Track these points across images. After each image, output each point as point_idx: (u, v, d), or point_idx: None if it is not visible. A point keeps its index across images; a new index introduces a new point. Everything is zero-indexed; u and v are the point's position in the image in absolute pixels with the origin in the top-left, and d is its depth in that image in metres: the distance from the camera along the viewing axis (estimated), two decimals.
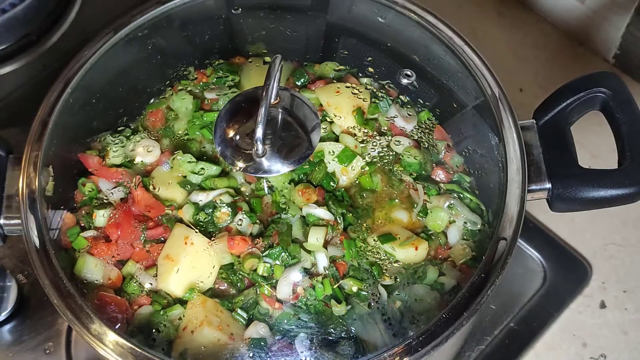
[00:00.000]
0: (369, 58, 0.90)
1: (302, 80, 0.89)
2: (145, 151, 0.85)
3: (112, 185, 0.84)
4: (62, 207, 0.83)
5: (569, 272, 1.07)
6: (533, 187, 0.83)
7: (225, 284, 0.79)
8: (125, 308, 0.78)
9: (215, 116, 0.82)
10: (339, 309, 0.77)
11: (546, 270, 1.06)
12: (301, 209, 0.81)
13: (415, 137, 0.86)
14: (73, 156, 0.85)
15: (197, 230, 0.80)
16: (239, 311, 0.77)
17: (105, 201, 0.83)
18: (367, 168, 0.83)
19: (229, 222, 0.80)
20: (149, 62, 0.91)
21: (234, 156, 0.78)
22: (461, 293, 0.77)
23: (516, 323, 1.03)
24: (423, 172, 0.84)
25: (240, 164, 0.78)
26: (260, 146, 0.75)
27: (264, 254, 0.78)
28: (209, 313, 0.77)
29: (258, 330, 0.76)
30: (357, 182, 0.84)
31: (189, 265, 0.78)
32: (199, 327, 0.76)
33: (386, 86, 0.88)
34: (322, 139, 0.83)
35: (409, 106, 0.88)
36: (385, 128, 0.86)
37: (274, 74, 0.76)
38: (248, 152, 0.78)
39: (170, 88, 0.89)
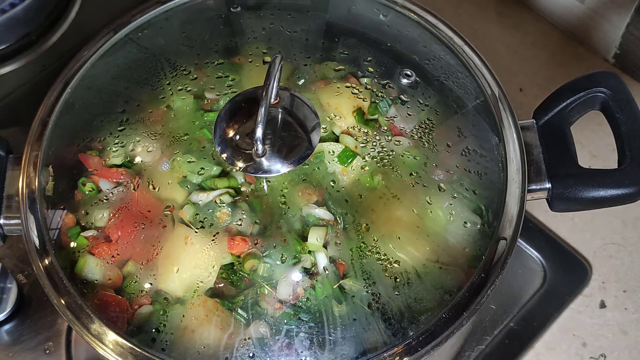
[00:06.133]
0: (369, 58, 0.90)
1: (302, 80, 0.89)
2: (145, 151, 0.85)
3: (112, 185, 0.84)
4: (62, 207, 0.83)
5: (568, 272, 1.07)
6: (533, 187, 0.83)
7: (225, 284, 0.79)
8: (125, 308, 0.78)
9: (215, 116, 0.82)
10: (339, 309, 0.77)
11: (546, 270, 1.06)
12: (301, 209, 0.81)
13: (415, 137, 0.86)
14: (73, 156, 0.85)
15: (197, 230, 0.80)
16: (239, 311, 0.77)
17: (105, 201, 0.83)
18: (367, 168, 0.83)
19: (229, 222, 0.80)
20: (149, 62, 0.91)
21: (234, 156, 0.78)
22: (461, 293, 0.77)
23: (516, 323, 1.03)
24: (423, 172, 0.84)
25: (240, 164, 0.78)
26: (260, 146, 0.75)
27: (264, 254, 0.78)
28: (209, 313, 0.77)
29: (258, 330, 0.76)
30: (357, 182, 0.84)
31: (189, 265, 0.78)
32: (199, 327, 0.76)
33: (386, 86, 0.89)
34: (322, 139, 0.83)
35: (409, 106, 0.88)
36: (385, 128, 0.86)
37: (274, 74, 0.76)
38: (248, 152, 0.78)
39: (170, 88, 0.89)
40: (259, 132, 0.74)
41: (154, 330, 0.77)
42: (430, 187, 0.83)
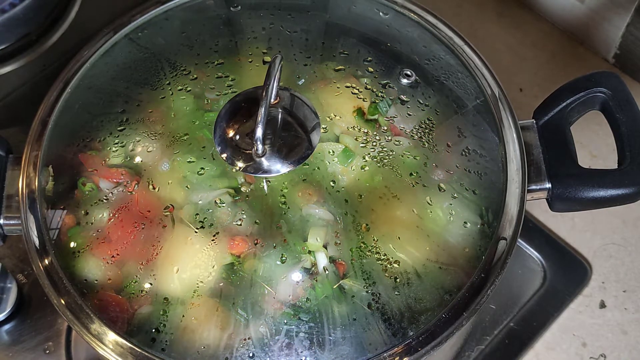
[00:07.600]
0: (369, 58, 0.90)
1: (302, 80, 0.89)
2: (145, 151, 0.85)
3: (112, 185, 0.84)
4: (62, 207, 0.83)
5: (568, 272, 1.07)
6: (533, 187, 0.83)
7: (225, 284, 0.79)
8: (125, 308, 0.78)
9: (215, 116, 0.82)
10: (339, 309, 0.77)
11: (546, 270, 1.06)
12: (301, 209, 0.81)
13: (415, 137, 0.86)
14: (73, 156, 0.85)
15: (197, 230, 0.80)
16: (239, 311, 0.77)
17: (105, 201, 0.83)
18: (367, 168, 0.83)
19: (229, 222, 0.80)
20: (149, 62, 0.91)
21: (234, 156, 0.78)
22: (461, 293, 0.77)
23: (516, 323, 1.03)
24: (423, 172, 0.84)
25: (240, 164, 0.78)
26: (260, 146, 0.75)
27: (264, 254, 0.78)
28: (209, 313, 0.77)
29: (258, 330, 0.76)
30: (357, 182, 0.84)
31: (189, 265, 0.78)
32: (199, 327, 0.76)
33: (386, 86, 0.89)
34: (322, 139, 0.83)
35: (409, 106, 0.88)
36: (385, 128, 0.86)
37: (274, 74, 0.76)
38: (248, 152, 0.78)
39: (170, 88, 0.89)
40: (259, 132, 0.74)
41: (154, 330, 0.77)
42: (430, 187, 0.83)
